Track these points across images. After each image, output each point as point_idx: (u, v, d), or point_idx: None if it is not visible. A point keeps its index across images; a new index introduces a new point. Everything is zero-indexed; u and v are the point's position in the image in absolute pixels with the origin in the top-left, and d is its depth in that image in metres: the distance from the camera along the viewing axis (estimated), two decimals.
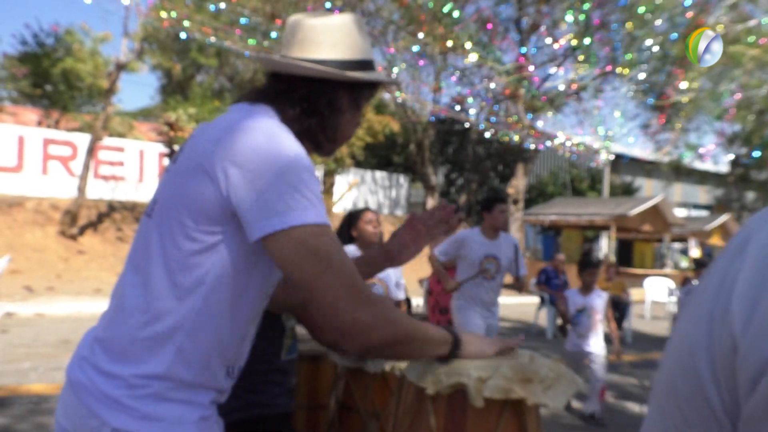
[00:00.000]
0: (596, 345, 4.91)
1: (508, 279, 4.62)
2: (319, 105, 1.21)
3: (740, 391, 0.44)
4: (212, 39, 12.19)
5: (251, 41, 12.08)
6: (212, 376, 1.14)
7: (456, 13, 12.60)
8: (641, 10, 11.62)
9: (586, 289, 5.01)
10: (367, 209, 3.59)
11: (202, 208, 1.07)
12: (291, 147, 1.07)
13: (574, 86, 16.62)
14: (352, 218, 3.56)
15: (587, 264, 5.07)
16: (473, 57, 13.58)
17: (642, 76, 14.39)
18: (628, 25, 13.10)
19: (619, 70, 14.41)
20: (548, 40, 16.21)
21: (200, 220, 1.07)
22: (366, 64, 1.26)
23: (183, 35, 12.26)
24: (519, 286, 4.59)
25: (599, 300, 4.97)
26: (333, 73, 1.20)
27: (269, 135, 1.07)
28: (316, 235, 1.03)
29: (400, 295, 3.79)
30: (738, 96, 12.35)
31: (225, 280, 1.10)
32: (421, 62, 15.57)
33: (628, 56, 13.68)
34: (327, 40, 1.23)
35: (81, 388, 1.09)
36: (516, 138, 15.03)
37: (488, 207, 4.40)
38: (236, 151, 1.05)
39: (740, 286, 0.46)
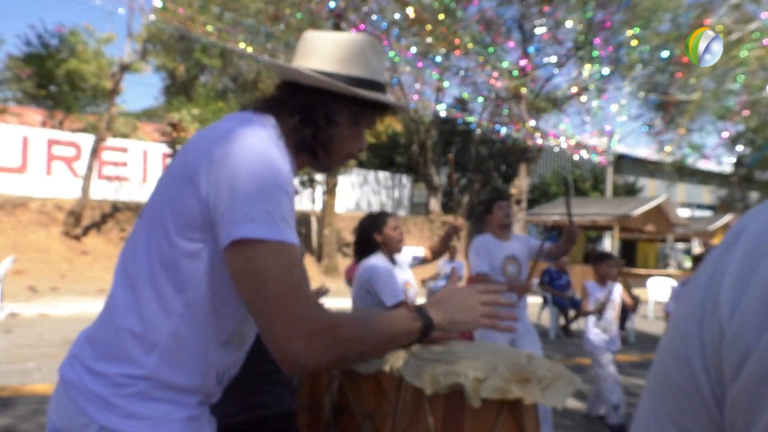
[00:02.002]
0: (618, 344, 4.80)
1: None
2: (315, 115, 1.21)
3: (726, 378, 0.46)
4: (213, 38, 12.21)
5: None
6: (198, 381, 1.15)
7: (458, 13, 12.61)
8: (636, 30, 11.63)
9: (604, 281, 4.86)
10: (389, 215, 3.44)
11: (184, 215, 1.08)
12: (271, 161, 1.07)
13: (576, 89, 16.59)
14: (375, 224, 3.40)
15: (605, 256, 4.90)
16: (472, 51, 13.55)
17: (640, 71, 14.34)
18: (630, 31, 13.09)
19: (627, 76, 14.39)
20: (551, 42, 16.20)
21: (183, 226, 1.08)
22: (373, 84, 1.26)
23: (189, 32, 12.28)
24: (569, 238, 4.19)
25: (617, 292, 4.87)
26: (328, 83, 1.20)
27: (250, 144, 1.07)
28: (266, 254, 1.01)
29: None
30: (743, 97, 12.33)
31: (206, 287, 1.10)
32: (420, 65, 15.53)
33: (631, 53, 13.66)
34: (334, 54, 1.24)
35: (71, 386, 1.11)
36: (523, 137, 15.00)
37: (489, 209, 4.32)
38: (217, 159, 1.06)
39: (729, 275, 0.47)
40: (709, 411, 0.48)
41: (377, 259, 3.30)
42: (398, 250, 3.38)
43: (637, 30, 11.84)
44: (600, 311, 4.81)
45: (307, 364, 1.01)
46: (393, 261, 3.42)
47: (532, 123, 15.64)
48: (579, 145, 16.40)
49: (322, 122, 1.21)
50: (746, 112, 12.92)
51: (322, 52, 1.25)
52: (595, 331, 4.77)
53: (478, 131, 15.91)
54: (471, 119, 17.13)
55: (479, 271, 4.11)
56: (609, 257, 4.90)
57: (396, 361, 1.61)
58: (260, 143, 1.08)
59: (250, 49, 12.36)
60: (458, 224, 3.93)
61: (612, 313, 4.79)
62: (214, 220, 1.06)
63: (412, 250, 3.71)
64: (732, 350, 0.45)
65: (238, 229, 1.01)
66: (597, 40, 14.11)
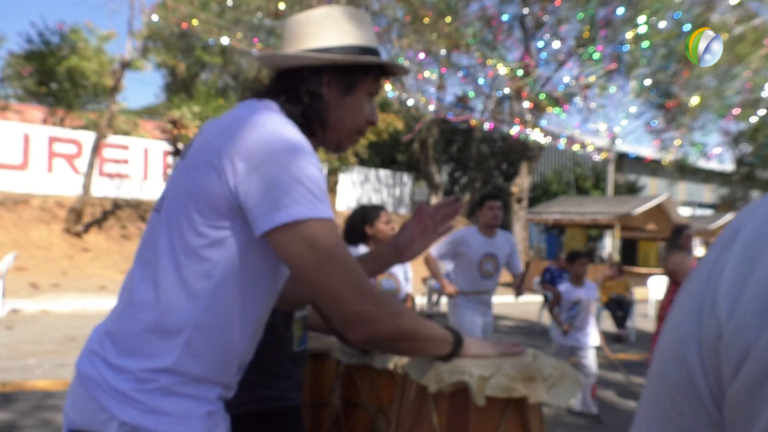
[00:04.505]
0: (592, 338, 4.92)
1: (507, 278, 4.61)
2: (300, 92, 1.22)
3: (724, 378, 0.46)
4: (220, 38, 12.19)
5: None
6: (221, 372, 1.15)
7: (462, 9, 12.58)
8: (642, 27, 11.56)
9: (578, 280, 5.00)
10: (382, 209, 3.44)
11: (209, 203, 1.08)
12: (296, 141, 1.08)
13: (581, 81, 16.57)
14: (367, 216, 3.39)
15: (577, 255, 5.08)
16: (476, 53, 13.57)
17: (648, 81, 14.33)
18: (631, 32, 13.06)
19: (632, 85, 14.39)
20: (555, 43, 16.18)
21: (208, 214, 1.08)
22: (356, 49, 1.25)
23: (190, 26, 12.26)
24: (518, 286, 4.49)
25: (591, 291, 5.00)
26: (298, 57, 1.21)
27: (274, 129, 1.08)
28: (319, 229, 1.04)
29: (409, 289, 3.72)
30: (745, 95, 12.30)
31: (232, 276, 1.10)
32: (422, 56, 15.45)
33: (634, 52, 13.64)
34: (309, 31, 1.25)
35: (90, 382, 1.10)
36: (525, 133, 14.98)
37: (480, 204, 4.42)
38: (243, 146, 1.06)
39: (727, 275, 0.47)
40: (707, 411, 0.48)
41: (357, 251, 3.28)
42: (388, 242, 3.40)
43: (646, 21, 11.79)
44: (554, 304, 5.00)
45: (376, 328, 1.08)
46: None
47: (540, 128, 15.62)
48: (581, 144, 16.39)
49: (306, 98, 1.22)
50: (734, 114, 12.88)
51: (297, 32, 1.26)
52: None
53: (486, 126, 15.83)
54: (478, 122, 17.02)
55: (433, 253, 4.40)
56: (581, 256, 5.06)
57: (400, 358, 1.61)
58: (279, 126, 1.10)
59: (259, 47, 12.34)
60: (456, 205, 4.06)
61: (584, 313, 4.89)
62: (243, 207, 1.06)
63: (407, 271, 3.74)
64: (731, 349, 0.44)
65: (285, 212, 1.02)
66: (603, 32, 14.07)
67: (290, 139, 1.08)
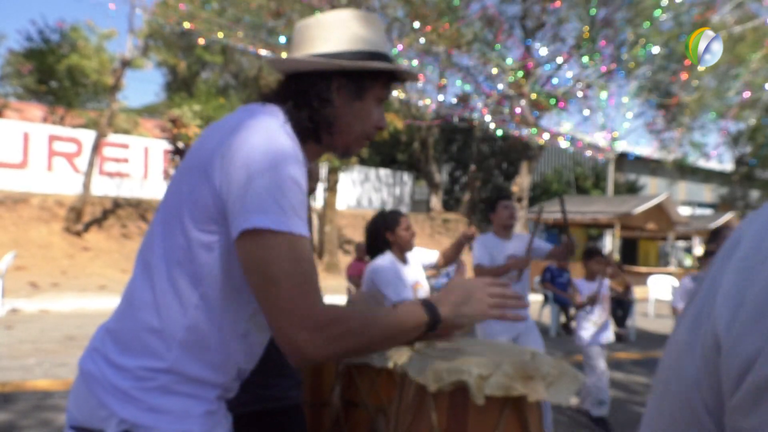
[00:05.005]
0: (605, 336, 4.90)
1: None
2: (309, 97, 1.21)
3: (724, 389, 0.45)
4: (221, 37, 12.18)
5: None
6: (217, 373, 1.15)
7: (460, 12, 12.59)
8: (657, 13, 11.53)
9: (593, 277, 4.96)
10: (402, 214, 3.46)
11: (200, 206, 1.09)
12: (282, 150, 1.07)
13: (581, 88, 16.55)
14: (387, 223, 3.40)
15: (595, 252, 5.04)
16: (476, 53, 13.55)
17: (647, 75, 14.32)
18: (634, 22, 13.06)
19: (632, 86, 14.39)
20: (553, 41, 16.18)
21: (198, 217, 1.09)
22: (366, 55, 1.24)
23: (186, 26, 12.22)
24: (564, 249, 4.17)
25: (604, 286, 4.97)
26: (306, 62, 1.21)
27: (263, 136, 1.07)
28: (276, 243, 1.01)
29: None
30: (746, 94, 12.28)
31: (221, 279, 1.11)
32: (422, 57, 15.42)
33: (634, 52, 13.62)
34: (319, 35, 1.24)
35: (92, 379, 1.11)
36: (532, 133, 14.96)
37: (492, 207, 4.31)
38: (230, 150, 1.06)
39: (725, 286, 0.47)
40: (700, 421, 0.48)
41: (384, 260, 3.32)
42: (409, 249, 3.40)
43: (648, 24, 11.80)
44: (591, 303, 4.86)
45: (311, 356, 1.02)
46: (404, 260, 3.43)
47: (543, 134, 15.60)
48: (583, 144, 16.37)
49: (316, 103, 1.20)
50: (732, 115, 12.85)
51: (308, 36, 1.25)
52: (584, 325, 4.89)
53: (491, 125, 15.77)
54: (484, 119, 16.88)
55: (479, 263, 4.15)
56: (597, 253, 5.04)
57: (400, 357, 1.61)
58: (270, 133, 1.08)
59: (260, 47, 12.34)
60: (471, 232, 3.92)
61: (601, 308, 4.88)
62: (226, 210, 1.06)
63: (426, 252, 3.73)
64: (731, 360, 0.44)
65: (247, 219, 1.01)
66: (603, 43, 14.10)
67: (276, 147, 1.06)
